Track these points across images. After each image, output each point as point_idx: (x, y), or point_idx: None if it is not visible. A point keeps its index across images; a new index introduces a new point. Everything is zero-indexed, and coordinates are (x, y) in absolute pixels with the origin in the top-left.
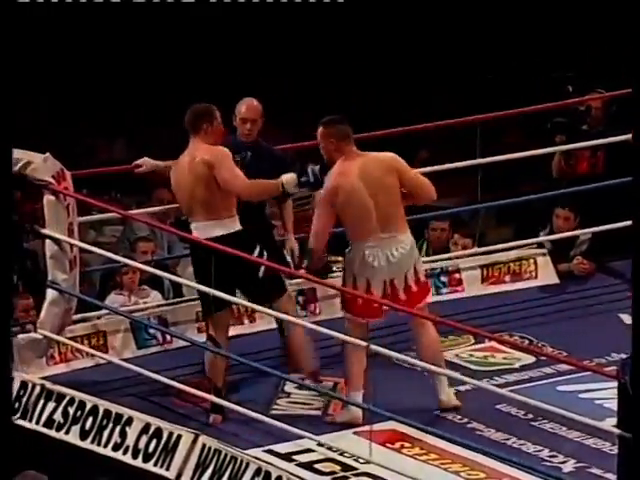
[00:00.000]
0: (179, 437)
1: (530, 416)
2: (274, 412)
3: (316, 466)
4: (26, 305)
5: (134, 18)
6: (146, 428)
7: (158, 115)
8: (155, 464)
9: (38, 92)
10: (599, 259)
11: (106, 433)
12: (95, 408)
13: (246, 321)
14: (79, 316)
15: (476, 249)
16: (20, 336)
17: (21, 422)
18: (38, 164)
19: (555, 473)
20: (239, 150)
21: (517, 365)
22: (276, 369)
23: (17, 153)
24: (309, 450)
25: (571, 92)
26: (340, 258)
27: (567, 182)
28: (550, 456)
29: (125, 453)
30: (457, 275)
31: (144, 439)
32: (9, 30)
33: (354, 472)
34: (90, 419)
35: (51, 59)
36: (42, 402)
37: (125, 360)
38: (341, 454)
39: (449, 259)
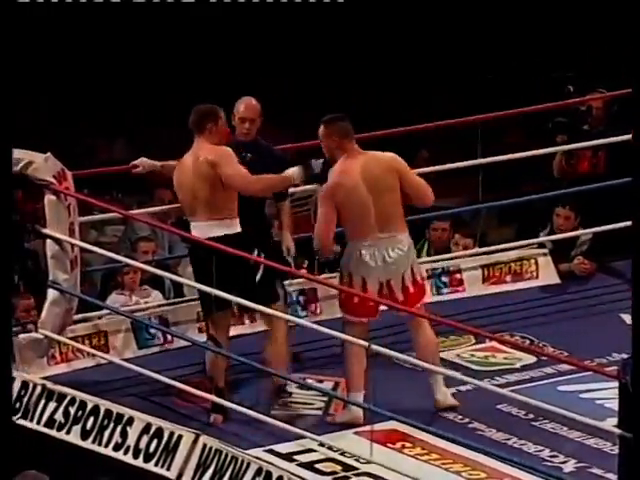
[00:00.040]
0: (180, 437)
1: (531, 416)
2: (275, 412)
3: (317, 466)
4: (27, 305)
5: (134, 18)
6: (147, 428)
7: (158, 115)
8: (156, 464)
9: (38, 92)
10: (600, 259)
11: (107, 433)
12: (96, 408)
13: (247, 321)
14: (80, 316)
15: (477, 249)
16: (21, 336)
17: (22, 422)
18: (39, 164)
19: (556, 473)
20: (238, 149)
21: (518, 365)
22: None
23: (18, 153)
24: (310, 450)
25: (572, 92)
26: None
27: (568, 182)
28: (551, 456)
29: (126, 453)
30: (458, 275)
31: (145, 439)
32: (9, 30)
33: (355, 472)
34: (91, 419)
35: (51, 59)
36: (43, 402)
37: (126, 360)
38: (342, 454)
39: (450, 259)
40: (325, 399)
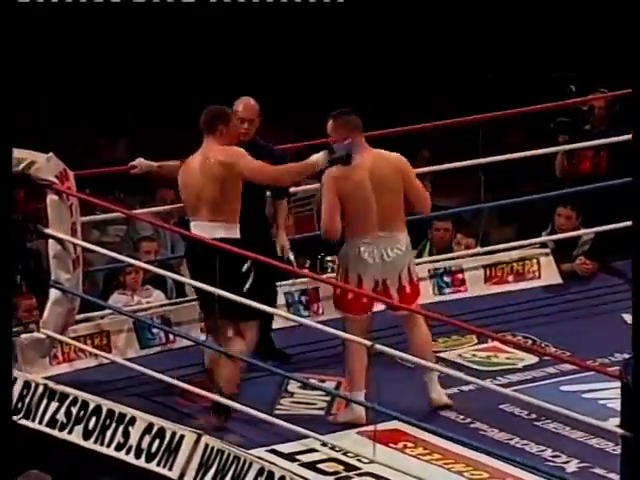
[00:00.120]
0: (182, 437)
1: (533, 416)
2: (277, 412)
3: (319, 466)
4: (29, 305)
5: (134, 18)
6: (149, 428)
7: (158, 115)
8: (158, 464)
9: (38, 92)
10: (602, 259)
11: (109, 433)
12: (98, 408)
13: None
14: (82, 316)
15: (479, 249)
16: (23, 336)
17: (24, 422)
18: (41, 164)
19: (558, 473)
20: None
21: (520, 365)
22: (279, 368)
23: (21, 153)
24: (312, 450)
25: (573, 92)
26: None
27: (570, 182)
28: (553, 456)
29: (128, 453)
30: (460, 275)
31: (147, 439)
32: (9, 30)
33: (357, 472)
34: (93, 419)
35: (51, 59)
36: (45, 402)
37: (128, 360)
38: (344, 454)
39: (452, 259)
40: (327, 399)
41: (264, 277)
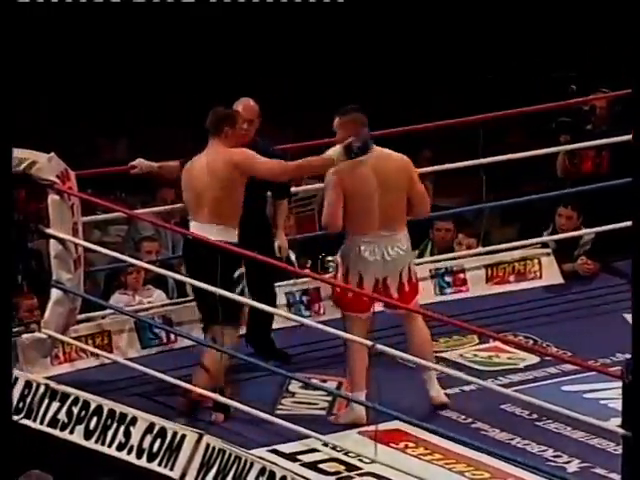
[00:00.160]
0: (183, 437)
1: (535, 416)
2: (279, 412)
3: (321, 466)
4: (30, 305)
5: (134, 18)
6: (150, 428)
7: (158, 115)
8: (159, 464)
9: (38, 92)
10: (603, 259)
11: (110, 433)
12: (99, 408)
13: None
14: (83, 316)
15: (480, 249)
16: (24, 336)
17: (25, 422)
18: (43, 164)
19: (559, 473)
20: None
21: (522, 365)
22: (280, 368)
23: (22, 153)
24: (314, 450)
25: (574, 92)
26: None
27: (571, 182)
28: (554, 456)
29: (129, 453)
30: (461, 275)
31: (148, 439)
32: (9, 30)
33: (359, 472)
34: (94, 419)
35: (51, 59)
36: (46, 402)
37: (129, 360)
38: (346, 454)
39: (453, 259)
40: (329, 399)
41: (264, 277)
